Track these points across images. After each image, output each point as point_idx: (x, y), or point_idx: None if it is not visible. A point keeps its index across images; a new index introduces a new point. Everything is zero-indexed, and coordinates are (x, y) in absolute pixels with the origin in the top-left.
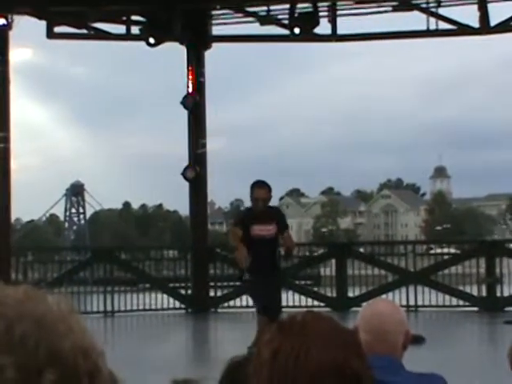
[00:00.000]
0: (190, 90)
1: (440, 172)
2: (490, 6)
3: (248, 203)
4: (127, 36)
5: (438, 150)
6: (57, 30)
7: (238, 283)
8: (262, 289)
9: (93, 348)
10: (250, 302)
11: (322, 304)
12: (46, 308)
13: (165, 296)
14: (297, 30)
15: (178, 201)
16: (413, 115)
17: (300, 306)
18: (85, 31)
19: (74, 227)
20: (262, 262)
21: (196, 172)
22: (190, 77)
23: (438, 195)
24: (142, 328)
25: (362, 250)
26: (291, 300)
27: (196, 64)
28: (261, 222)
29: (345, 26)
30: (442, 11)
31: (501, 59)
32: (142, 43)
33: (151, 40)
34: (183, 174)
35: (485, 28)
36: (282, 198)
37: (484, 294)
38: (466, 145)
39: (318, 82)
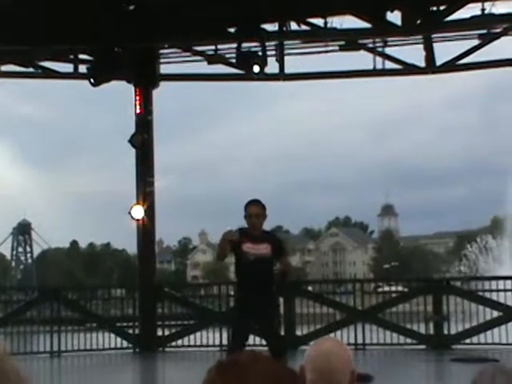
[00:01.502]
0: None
1: (388, 210)
2: (436, 46)
3: (196, 241)
4: (74, 74)
5: (385, 188)
6: (3, 68)
7: (187, 321)
8: (245, 329)
9: None
10: (198, 341)
11: None
12: None
13: (112, 335)
14: (256, 69)
15: (126, 239)
16: (360, 153)
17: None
18: (32, 70)
19: (21, 266)
20: (255, 288)
21: (144, 210)
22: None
23: (385, 233)
24: (88, 368)
25: (310, 288)
26: None
27: (144, 102)
28: (253, 241)
29: (292, 65)
30: (388, 51)
31: (446, 98)
32: None
33: (95, 79)
34: (130, 212)
35: (430, 67)
36: None
37: (431, 331)
38: (413, 183)
39: (265, 121)
